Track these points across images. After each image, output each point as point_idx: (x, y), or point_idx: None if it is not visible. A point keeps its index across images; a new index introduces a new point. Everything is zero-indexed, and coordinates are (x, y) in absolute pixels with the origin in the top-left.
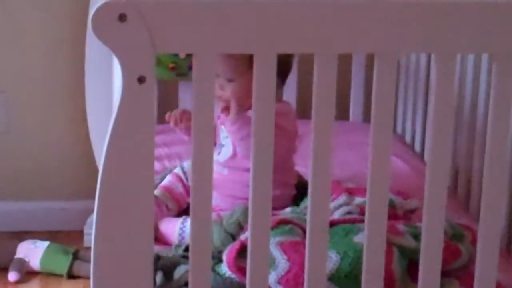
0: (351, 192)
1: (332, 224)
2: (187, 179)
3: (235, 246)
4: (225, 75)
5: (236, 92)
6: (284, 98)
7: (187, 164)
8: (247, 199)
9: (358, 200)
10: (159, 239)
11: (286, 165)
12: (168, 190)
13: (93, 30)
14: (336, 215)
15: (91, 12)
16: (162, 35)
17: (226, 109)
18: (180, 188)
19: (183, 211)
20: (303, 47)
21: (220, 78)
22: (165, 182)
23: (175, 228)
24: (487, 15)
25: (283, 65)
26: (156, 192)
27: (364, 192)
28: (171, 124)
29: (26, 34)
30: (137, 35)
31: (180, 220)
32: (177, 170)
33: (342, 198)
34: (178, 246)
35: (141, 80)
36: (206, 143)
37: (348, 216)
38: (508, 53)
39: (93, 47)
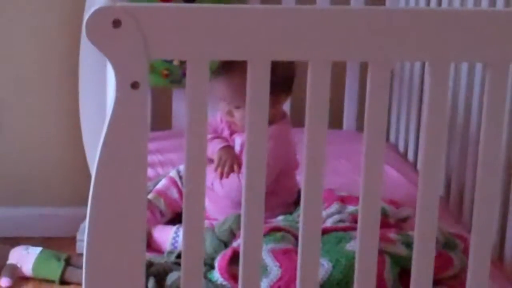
0: (343, 201)
1: (325, 232)
2: (182, 183)
3: (227, 253)
4: (232, 102)
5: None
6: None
7: (183, 167)
8: None
9: (350, 208)
10: (152, 246)
11: (284, 186)
12: (162, 194)
13: (87, 35)
14: (329, 223)
15: (86, 17)
16: (156, 41)
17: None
18: (174, 194)
19: (177, 216)
20: (297, 54)
21: (226, 104)
22: (159, 185)
23: (169, 237)
24: (481, 24)
25: (287, 80)
26: (149, 196)
27: (356, 200)
28: None
29: (20, 38)
30: (131, 40)
31: (174, 228)
32: (173, 174)
33: (335, 207)
34: (170, 252)
35: (134, 85)
36: (200, 149)
37: (340, 224)
38: (501, 62)
39: (87, 52)
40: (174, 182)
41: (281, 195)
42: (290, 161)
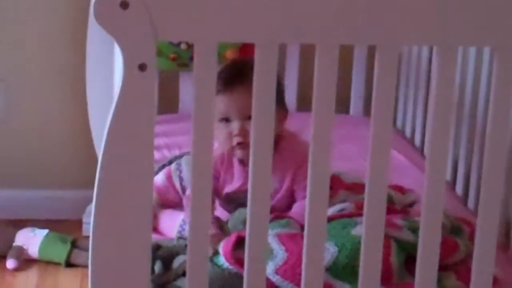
0: (351, 189)
1: (329, 219)
2: (180, 183)
3: (231, 238)
4: (245, 113)
5: None
6: (285, 90)
7: (185, 159)
8: None
9: (356, 197)
10: (157, 229)
11: None
12: (161, 195)
13: (95, 16)
14: (329, 212)
15: None
16: (163, 23)
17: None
18: (172, 194)
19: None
20: (305, 37)
21: (235, 122)
22: (159, 181)
23: (176, 223)
24: (489, 8)
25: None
26: None
27: (363, 188)
28: None
29: (26, 22)
30: (138, 22)
31: (181, 216)
32: (173, 168)
33: (342, 195)
34: (180, 238)
35: (142, 67)
36: (207, 133)
37: (344, 211)
38: (509, 46)
39: (95, 34)
40: (171, 183)
41: None
42: None
